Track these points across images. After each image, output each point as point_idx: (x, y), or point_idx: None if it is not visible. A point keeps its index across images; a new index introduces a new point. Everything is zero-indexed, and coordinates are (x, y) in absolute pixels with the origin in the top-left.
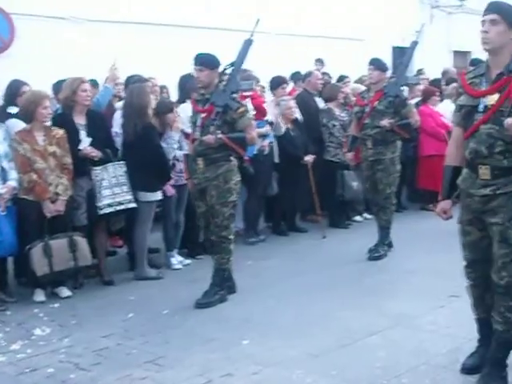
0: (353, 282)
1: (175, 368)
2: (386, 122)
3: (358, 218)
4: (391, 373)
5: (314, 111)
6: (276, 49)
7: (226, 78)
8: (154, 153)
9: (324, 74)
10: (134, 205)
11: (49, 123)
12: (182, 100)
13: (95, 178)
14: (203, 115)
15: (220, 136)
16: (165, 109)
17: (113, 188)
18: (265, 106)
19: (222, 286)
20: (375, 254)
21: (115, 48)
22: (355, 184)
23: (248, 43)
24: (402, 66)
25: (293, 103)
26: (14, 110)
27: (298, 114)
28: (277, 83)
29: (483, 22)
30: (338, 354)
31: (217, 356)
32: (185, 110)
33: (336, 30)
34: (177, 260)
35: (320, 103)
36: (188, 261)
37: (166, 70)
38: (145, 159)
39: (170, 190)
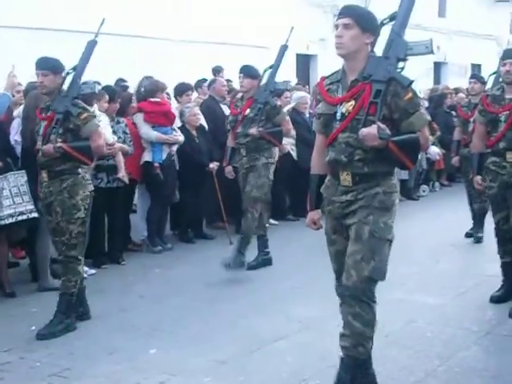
0: (260, 288)
1: (81, 380)
2: (254, 130)
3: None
4: (299, 376)
5: (219, 118)
6: (182, 56)
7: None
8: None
9: (227, 80)
10: (35, 215)
11: None
12: None
13: None
14: (45, 123)
15: (60, 145)
16: None
17: (14, 198)
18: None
19: (69, 313)
20: (253, 263)
21: (14, 54)
22: None
23: (92, 45)
24: (272, 71)
25: (197, 110)
26: None
27: (203, 121)
28: (181, 90)
29: (336, 26)
30: (246, 360)
31: (124, 366)
32: None
33: (241, 37)
34: (82, 270)
35: (227, 110)
36: (93, 270)
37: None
38: None
39: None
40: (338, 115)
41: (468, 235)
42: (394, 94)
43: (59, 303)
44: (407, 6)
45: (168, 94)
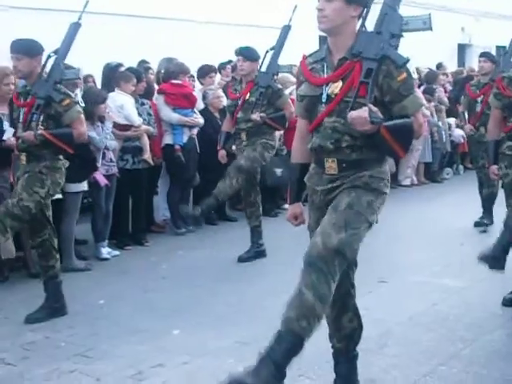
0: (283, 269)
1: (104, 360)
2: (256, 116)
3: (286, 205)
4: (319, 358)
5: None
6: (205, 37)
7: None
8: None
9: None
10: (60, 196)
11: None
12: (108, 89)
13: None
14: (25, 109)
15: (41, 132)
16: (97, 99)
17: None
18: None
19: (57, 297)
20: (245, 256)
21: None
22: (279, 170)
23: (76, 27)
24: (274, 53)
25: (220, 92)
26: None
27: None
28: (204, 72)
29: None
30: (269, 342)
31: (147, 347)
32: (113, 100)
33: (264, 18)
34: (106, 251)
35: None
36: (117, 252)
37: (91, 59)
38: None
39: (103, 180)
40: (324, 97)
41: (477, 224)
42: (386, 74)
43: (45, 289)
44: None
45: (192, 76)
